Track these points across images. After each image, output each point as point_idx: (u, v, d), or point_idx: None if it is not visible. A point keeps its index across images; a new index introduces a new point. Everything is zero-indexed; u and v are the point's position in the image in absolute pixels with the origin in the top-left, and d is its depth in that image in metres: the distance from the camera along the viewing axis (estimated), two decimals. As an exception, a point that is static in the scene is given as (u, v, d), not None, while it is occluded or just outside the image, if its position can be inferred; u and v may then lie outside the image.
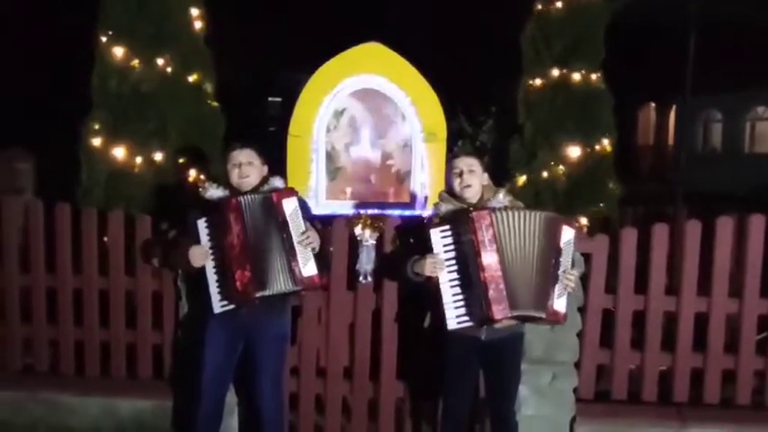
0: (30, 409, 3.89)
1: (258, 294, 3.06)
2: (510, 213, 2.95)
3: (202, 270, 3.14)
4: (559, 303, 2.99)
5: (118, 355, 4.00)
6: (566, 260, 3.00)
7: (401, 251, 3.37)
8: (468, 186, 3.10)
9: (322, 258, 3.21)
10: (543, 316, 2.96)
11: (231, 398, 3.59)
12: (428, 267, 2.99)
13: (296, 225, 3.10)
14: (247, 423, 3.66)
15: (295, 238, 3.08)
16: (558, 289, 2.98)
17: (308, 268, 3.10)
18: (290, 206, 3.11)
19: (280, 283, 3.08)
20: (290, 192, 3.19)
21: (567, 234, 3.00)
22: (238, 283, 3.04)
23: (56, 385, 3.96)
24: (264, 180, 3.26)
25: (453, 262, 2.98)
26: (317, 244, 3.15)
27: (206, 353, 3.23)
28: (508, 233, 2.92)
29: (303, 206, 3.21)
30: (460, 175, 3.11)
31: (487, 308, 2.88)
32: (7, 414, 3.89)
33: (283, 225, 3.09)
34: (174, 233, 3.30)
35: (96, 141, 4.71)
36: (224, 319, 3.15)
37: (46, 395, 3.90)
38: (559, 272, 2.97)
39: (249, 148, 3.23)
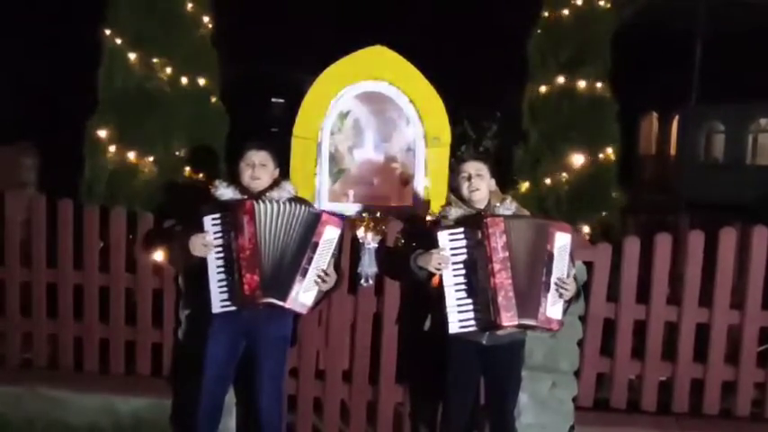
0: (28, 405, 3.88)
1: (265, 300, 3.05)
2: (520, 221, 2.97)
3: (204, 268, 3.13)
4: (553, 310, 2.96)
5: (117, 351, 4.00)
6: (560, 266, 2.96)
7: (405, 248, 3.36)
8: (477, 190, 3.09)
9: (323, 296, 3.21)
10: (535, 323, 2.95)
11: (230, 398, 3.58)
12: (434, 261, 2.98)
13: (324, 252, 3.10)
14: (245, 423, 3.65)
15: (314, 265, 3.08)
16: (551, 296, 2.94)
17: (306, 296, 3.10)
18: (330, 233, 3.10)
19: (282, 296, 3.07)
20: (340, 220, 3.18)
21: (561, 239, 2.97)
22: (246, 286, 3.01)
23: (54, 381, 3.96)
24: (275, 183, 3.26)
25: (461, 266, 2.98)
26: (326, 287, 3.15)
27: (208, 352, 3.23)
28: (518, 241, 2.92)
29: (342, 239, 3.21)
30: (469, 179, 3.11)
31: (496, 314, 2.87)
32: (5, 408, 3.89)
33: (314, 246, 3.07)
34: (180, 229, 3.29)
35: (101, 139, 4.71)
36: (226, 318, 3.15)
37: (44, 390, 3.90)
38: (552, 279, 2.94)
39: (266, 151, 3.24)
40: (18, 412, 3.87)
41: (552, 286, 2.94)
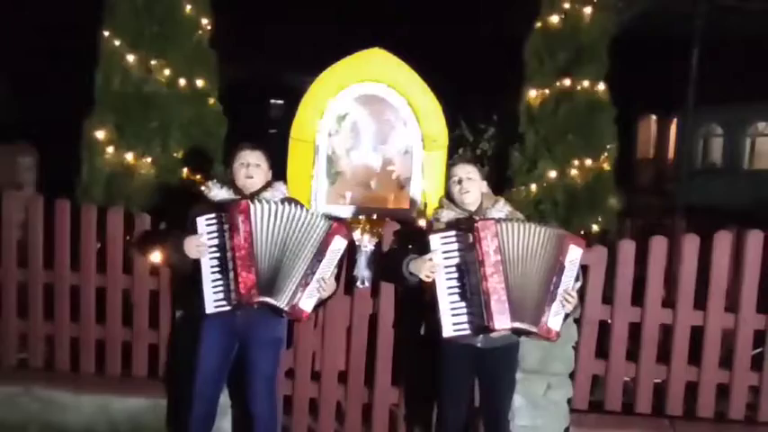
0: (23, 405, 3.88)
1: (260, 299, 3.05)
2: (515, 225, 2.93)
3: (197, 270, 3.13)
4: (554, 321, 2.97)
5: (113, 352, 4.00)
6: (568, 278, 2.96)
7: (398, 252, 3.37)
8: (467, 192, 3.11)
9: (321, 303, 3.24)
10: (535, 330, 2.96)
11: (224, 399, 3.59)
12: (426, 269, 2.98)
13: (329, 262, 3.11)
14: (240, 425, 3.65)
15: (318, 274, 3.09)
16: (555, 307, 2.95)
17: (306, 303, 3.12)
18: (338, 244, 3.12)
19: (280, 297, 3.08)
20: (349, 232, 3.20)
21: (574, 253, 2.96)
22: (242, 285, 3.00)
23: (50, 381, 3.95)
24: (268, 184, 3.28)
25: (454, 269, 2.98)
26: (325, 294, 3.17)
27: (200, 354, 3.22)
28: (513, 245, 2.90)
29: (347, 250, 3.23)
30: (459, 182, 3.13)
31: (489, 318, 2.86)
32: (1, 409, 3.89)
33: (320, 254, 3.09)
34: (173, 231, 3.29)
35: (98, 140, 4.72)
36: (219, 320, 3.14)
37: (40, 391, 3.90)
38: (559, 290, 2.94)
39: (259, 150, 3.26)
40: (14, 413, 3.88)
41: (558, 297, 2.95)
